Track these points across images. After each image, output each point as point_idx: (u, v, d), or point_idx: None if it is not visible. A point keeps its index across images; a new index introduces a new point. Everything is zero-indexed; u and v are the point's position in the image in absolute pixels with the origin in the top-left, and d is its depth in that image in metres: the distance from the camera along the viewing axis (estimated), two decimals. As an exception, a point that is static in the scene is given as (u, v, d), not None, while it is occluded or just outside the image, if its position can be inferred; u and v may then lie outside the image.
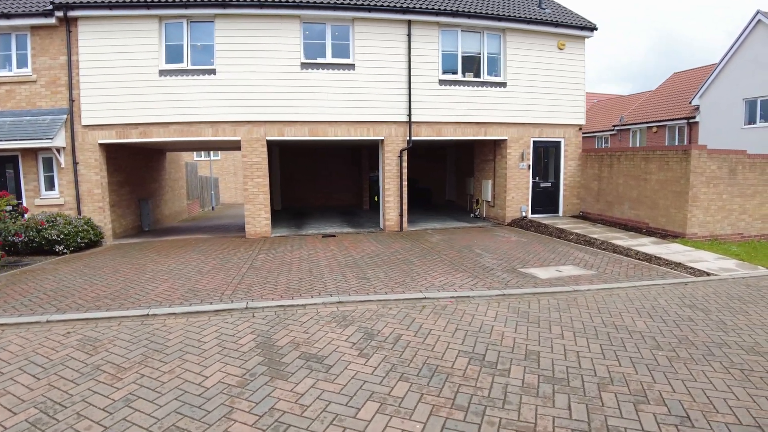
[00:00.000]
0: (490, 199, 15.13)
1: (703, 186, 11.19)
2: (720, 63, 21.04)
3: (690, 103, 22.58)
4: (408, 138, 13.36)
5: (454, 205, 19.68)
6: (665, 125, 23.84)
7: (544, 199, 14.60)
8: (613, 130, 26.77)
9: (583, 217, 14.43)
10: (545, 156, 14.60)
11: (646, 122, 24.61)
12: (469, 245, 10.97)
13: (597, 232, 12.01)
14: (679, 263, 9.02)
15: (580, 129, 14.72)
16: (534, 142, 14.33)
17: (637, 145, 25.13)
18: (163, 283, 7.88)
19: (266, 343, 5.24)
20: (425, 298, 6.76)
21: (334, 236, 12.77)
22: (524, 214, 14.20)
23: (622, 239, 11.22)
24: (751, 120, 20.24)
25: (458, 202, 19.53)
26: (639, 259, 9.44)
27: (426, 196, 19.68)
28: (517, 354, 4.85)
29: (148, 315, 6.30)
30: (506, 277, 8.01)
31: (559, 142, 14.56)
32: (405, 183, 13.58)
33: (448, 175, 20.52)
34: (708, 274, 8.36)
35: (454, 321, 5.82)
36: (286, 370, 4.55)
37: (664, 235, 11.52)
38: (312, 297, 6.81)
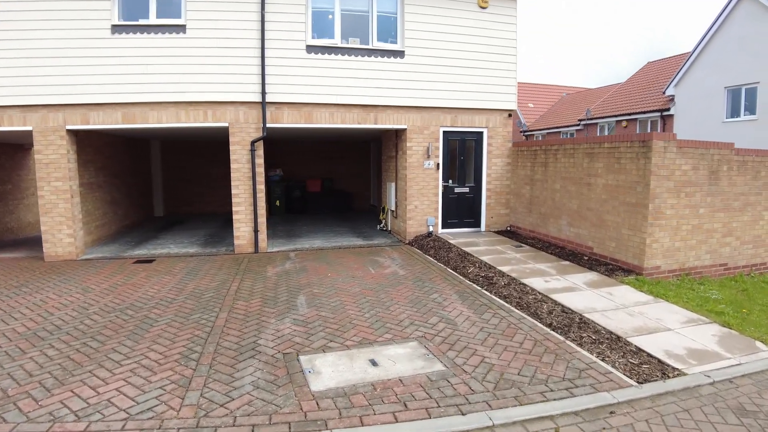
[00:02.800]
0: (394, 208, 10.86)
1: (671, 196, 6.92)
2: (698, 45, 16.74)
3: (664, 93, 18.28)
4: (262, 125, 9.08)
5: (375, 211, 15.37)
6: (636, 119, 19.53)
7: (461, 209, 10.31)
8: (579, 125, 22.47)
9: (512, 232, 10.15)
10: (462, 152, 10.29)
11: (615, 116, 20.30)
12: (309, 283, 6.72)
13: (513, 262, 7.72)
14: (618, 337, 4.75)
15: (510, 116, 10.40)
16: (445, 132, 10.02)
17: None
18: None
19: None
20: None
21: (152, 261, 8.50)
22: (431, 229, 9.91)
23: (545, 276, 6.95)
24: (734, 112, 15.97)
25: (379, 208, 15.22)
26: (551, 324, 5.15)
27: (345, 201, 15.36)
28: None
29: None
30: (249, 386, 3.73)
31: (480, 134, 10.25)
32: (261, 187, 9.31)
33: (372, 174, 16.18)
34: (664, 371, 4.09)
35: None
36: None
37: (613, 269, 7.25)
38: None
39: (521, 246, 8.92)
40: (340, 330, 4.95)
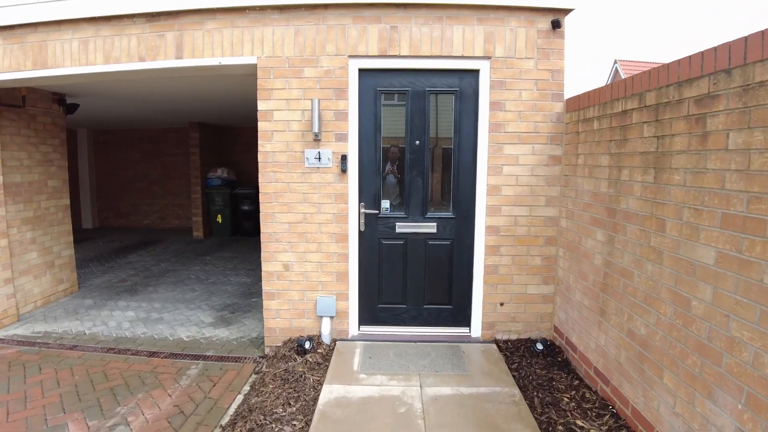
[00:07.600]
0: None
1: None
2: None
3: None
4: None
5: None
6: None
7: (417, 278, 3.73)
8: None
9: (554, 356, 3.28)
10: (418, 127, 3.67)
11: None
12: None
13: None
14: None
15: (558, 27, 3.45)
16: (365, 73, 3.54)
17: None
18: None
19: None
20: None
21: None
22: (325, 328, 3.58)
23: None
24: None
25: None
26: None
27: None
28: None
29: None
30: None
31: (471, 76, 3.54)
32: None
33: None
34: None
35: None
36: None
37: None
38: None
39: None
40: None
